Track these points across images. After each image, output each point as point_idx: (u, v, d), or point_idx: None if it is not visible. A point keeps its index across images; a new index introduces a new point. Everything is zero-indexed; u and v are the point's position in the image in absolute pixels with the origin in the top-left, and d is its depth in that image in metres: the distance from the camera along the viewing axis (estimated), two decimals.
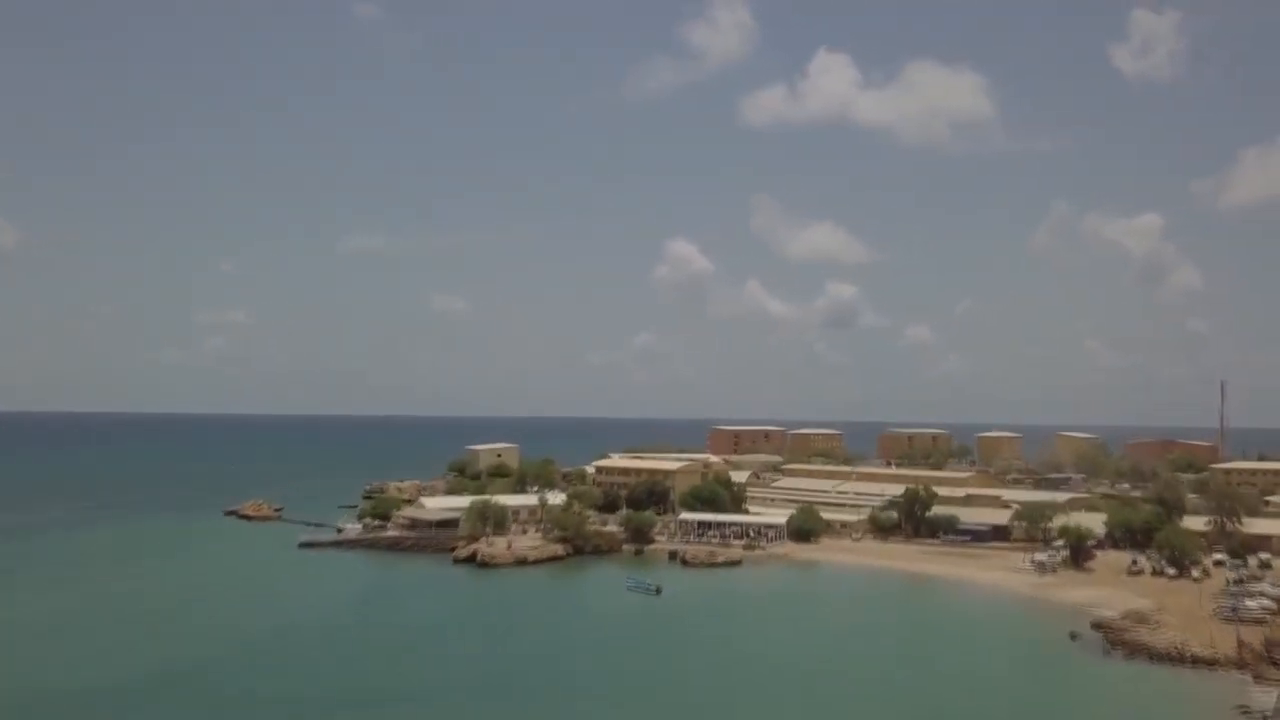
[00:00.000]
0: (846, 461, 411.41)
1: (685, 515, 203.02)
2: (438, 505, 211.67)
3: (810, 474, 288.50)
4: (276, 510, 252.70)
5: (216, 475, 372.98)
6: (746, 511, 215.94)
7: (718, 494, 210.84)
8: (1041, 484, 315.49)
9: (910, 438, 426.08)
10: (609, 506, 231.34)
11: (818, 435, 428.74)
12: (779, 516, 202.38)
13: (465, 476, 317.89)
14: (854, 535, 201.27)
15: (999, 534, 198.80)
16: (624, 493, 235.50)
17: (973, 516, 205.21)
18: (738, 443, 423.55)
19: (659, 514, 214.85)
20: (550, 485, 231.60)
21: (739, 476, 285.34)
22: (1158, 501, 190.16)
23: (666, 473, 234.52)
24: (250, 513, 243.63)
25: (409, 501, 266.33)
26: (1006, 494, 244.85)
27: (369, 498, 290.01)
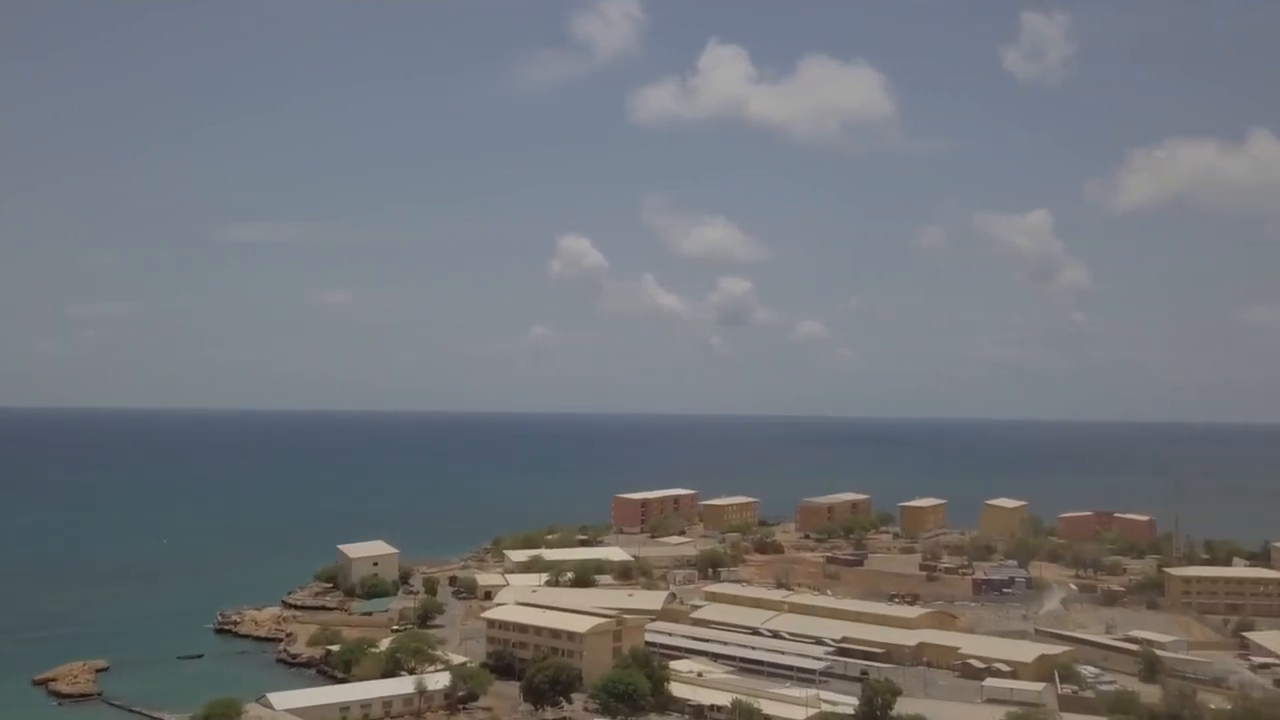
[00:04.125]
0: (763, 529, 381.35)
1: None
2: (289, 707, 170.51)
3: (737, 600, 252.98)
4: (100, 671, 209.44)
5: (50, 585, 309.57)
6: (670, 698, 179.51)
7: (636, 688, 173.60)
8: (984, 590, 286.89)
9: (830, 508, 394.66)
10: (504, 670, 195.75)
11: (730, 506, 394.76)
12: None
13: (337, 588, 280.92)
14: None
15: None
16: (521, 655, 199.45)
17: (943, 714, 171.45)
18: (645, 513, 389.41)
19: (565, 701, 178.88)
20: (430, 660, 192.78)
21: (652, 601, 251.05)
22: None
23: (572, 635, 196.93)
24: (65, 688, 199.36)
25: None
26: (966, 644, 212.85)
27: (222, 631, 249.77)
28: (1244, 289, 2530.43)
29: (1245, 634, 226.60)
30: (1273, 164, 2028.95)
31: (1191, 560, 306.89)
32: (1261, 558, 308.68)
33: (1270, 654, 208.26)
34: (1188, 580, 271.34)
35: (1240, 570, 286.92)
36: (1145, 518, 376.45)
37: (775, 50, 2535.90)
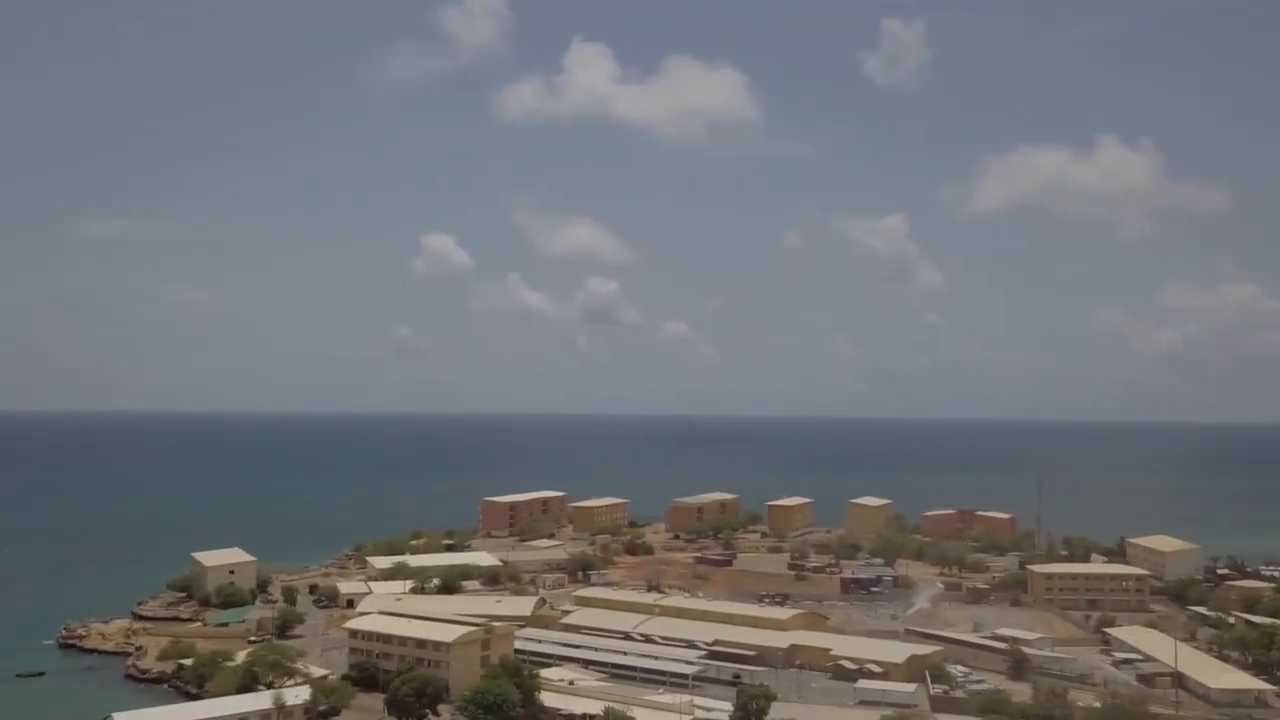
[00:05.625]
0: (633, 530, 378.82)
1: None
2: None
3: (608, 604, 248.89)
4: None
5: None
6: (541, 708, 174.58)
7: (506, 698, 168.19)
8: (852, 589, 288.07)
9: (699, 509, 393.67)
10: (368, 682, 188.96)
11: (600, 508, 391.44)
12: None
13: (191, 598, 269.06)
14: None
15: None
16: (386, 666, 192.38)
17: (817, 718, 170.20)
18: (513, 516, 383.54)
19: (431, 713, 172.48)
20: (290, 674, 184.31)
21: (521, 607, 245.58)
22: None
23: (438, 645, 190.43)
24: None
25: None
26: (837, 645, 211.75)
27: (66, 646, 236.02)
28: (1095, 292, 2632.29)
29: (1106, 630, 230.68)
30: (1119, 171, 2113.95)
31: (1052, 557, 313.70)
32: (1118, 554, 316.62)
33: (1131, 649, 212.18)
34: (1049, 577, 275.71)
35: (1099, 566, 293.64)
36: (1006, 515, 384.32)
37: (639, 50, 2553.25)
